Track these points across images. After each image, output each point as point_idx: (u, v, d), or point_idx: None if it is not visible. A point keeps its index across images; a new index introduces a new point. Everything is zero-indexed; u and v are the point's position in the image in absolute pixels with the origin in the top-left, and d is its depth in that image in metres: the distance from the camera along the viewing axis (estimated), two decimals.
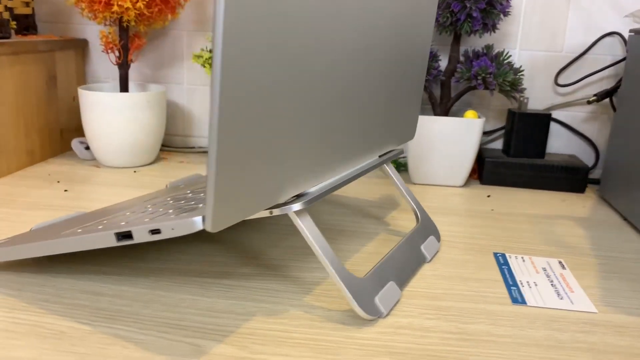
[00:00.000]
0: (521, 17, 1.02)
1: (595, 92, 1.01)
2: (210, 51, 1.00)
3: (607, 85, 1.02)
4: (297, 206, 0.48)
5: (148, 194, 0.75)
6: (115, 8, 0.89)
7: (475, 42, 1.04)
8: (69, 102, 1.08)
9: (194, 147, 1.15)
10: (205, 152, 1.13)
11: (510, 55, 0.97)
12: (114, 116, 0.94)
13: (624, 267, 0.65)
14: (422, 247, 0.64)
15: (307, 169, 0.49)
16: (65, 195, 0.81)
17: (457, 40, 0.95)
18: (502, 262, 0.65)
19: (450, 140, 0.92)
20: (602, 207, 0.89)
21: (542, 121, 0.97)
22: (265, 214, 0.47)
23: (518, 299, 0.56)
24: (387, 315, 0.51)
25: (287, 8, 0.40)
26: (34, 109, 0.96)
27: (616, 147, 0.89)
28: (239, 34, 0.35)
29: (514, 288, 0.58)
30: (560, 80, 1.03)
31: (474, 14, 0.87)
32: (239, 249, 0.65)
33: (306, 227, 0.49)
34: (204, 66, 0.98)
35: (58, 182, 0.88)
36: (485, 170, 0.98)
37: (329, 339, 0.47)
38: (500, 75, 0.90)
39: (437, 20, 0.92)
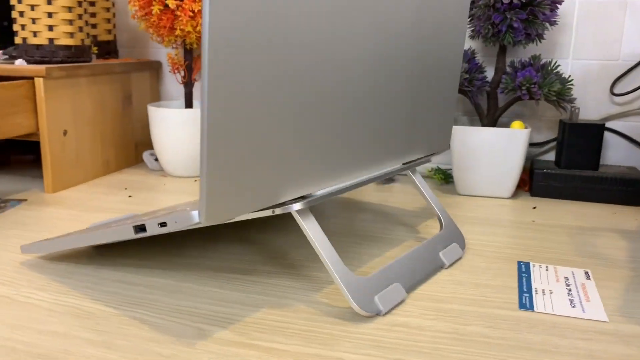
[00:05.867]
0: (573, 27, 0.99)
1: None
2: None
3: None
4: (297, 205, 0.52)
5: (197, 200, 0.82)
6: (177, 32, 0.98)
7: (525, 52, 1.02)
8: (144, 119, 1.19)
9: None
10: None
11: (559, 65, 0.95)
12: (179, 130, 1.03)
13: None
14: (440, 253, 0.66)
15: (313, 171, 0.53)
16: (129, 201, 0.91)
17: (502, 51, 0.95)
18: (524, 270, 0.64)
19: (495, 151, 0.92)
20: None
21: (594, 131, 0.94)
22: (267, 212, 0.52)
23: (526, 304, 0.56)
24: (387, 313, 0.53)
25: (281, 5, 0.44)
26: (110, 125, 1.08)
27: None
28: (227, 29, 0.40)
29: (526, 295, 0.58)
30: (617, 90, 0.99)
31: (515, 25, 0.87)
32: (268, 249, 0.70)
33: (308, 227, 0.53)
34: None
35: (125, 189, 0.98)
36: (535, 182, 0.96)
37: (324, 331, 0.50)
38: (545, 85, 0.89)
39: (479, 32, 0.92)
